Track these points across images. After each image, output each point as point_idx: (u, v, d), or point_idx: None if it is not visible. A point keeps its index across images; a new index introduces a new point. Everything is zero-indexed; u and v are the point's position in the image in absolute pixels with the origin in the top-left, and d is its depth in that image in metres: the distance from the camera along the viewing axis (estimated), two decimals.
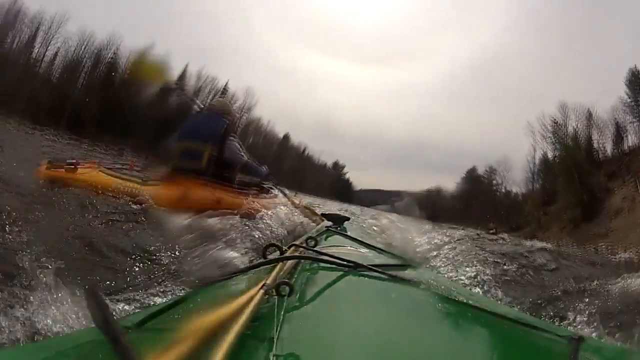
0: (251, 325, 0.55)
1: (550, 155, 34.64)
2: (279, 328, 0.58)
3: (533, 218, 32.98)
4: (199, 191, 3.33)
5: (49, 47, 33.57)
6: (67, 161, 3.44)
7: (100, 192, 3.21)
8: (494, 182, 41.92)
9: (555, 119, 33.24)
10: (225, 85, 42.22)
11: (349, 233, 2.10)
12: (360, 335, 0.64)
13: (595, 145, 31.06)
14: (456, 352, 0.63)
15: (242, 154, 3.83)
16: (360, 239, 1.67)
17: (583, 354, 0.64)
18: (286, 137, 52.53)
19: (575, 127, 32.23)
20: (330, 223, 2.58)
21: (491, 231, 28.16)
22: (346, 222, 2.96)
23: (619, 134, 29.87)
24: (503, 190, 41.21)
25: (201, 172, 3.56)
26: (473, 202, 40.17)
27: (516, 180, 39.18)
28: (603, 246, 19.73)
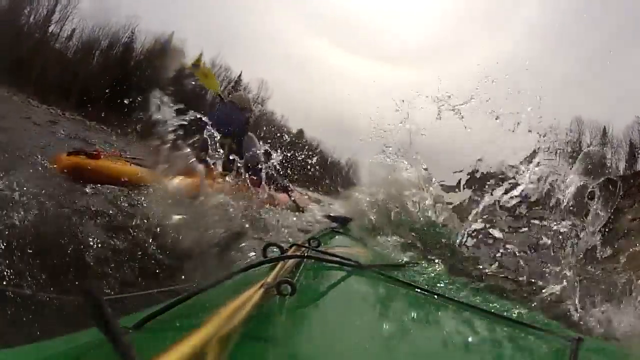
0: (252, 324, 0.54)
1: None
2: (280, 326, 0.59)
3: None
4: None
5: (65, 25, 33.87)
6: (85, 151, 3.11)
7: (127, 180, 2.95)
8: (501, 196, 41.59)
9: (569, 136, 33.03)
10: (239, 76, 42.39)
11: (352, 233, 2.16)
12: (361, 335, 0.63)
13: (608, 163, 30.76)
14: (457, 352, 0.62)
15: (254, 149, 3.81)
16: (363, 240, 1.71)
17: (583, 354, 0.64)
18: (300, 133, 52.14)
19: (589, 143, 32.02)
20: (334, 224, 2.56)
21: None
22: (351, 222, 2.95)
23: (633, 153, 29.51)
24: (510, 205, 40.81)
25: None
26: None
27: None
28: (613, 268, 19.41)
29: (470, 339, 0.70)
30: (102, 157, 3.06)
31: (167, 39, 34.79)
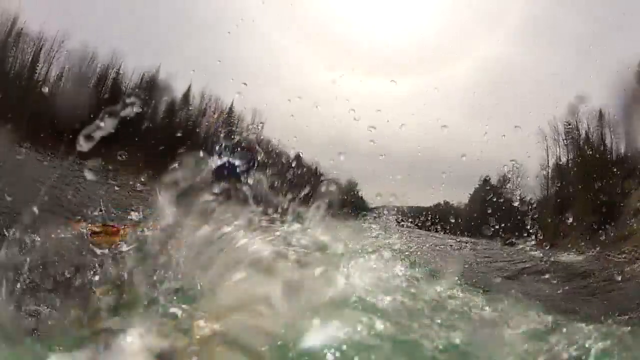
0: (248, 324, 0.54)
1: (564, 159, 34.29)
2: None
3: (550, 225, 32.15)
4: None
5: (52, 66, 34.25)
6: (106, 224, 3.42)
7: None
8: (507, 190, 41.30)
9: (568, 122, 32.97)
10: (231, 105, 42.70)
11: None
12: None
13: (609, 146, 30.55)
14: (455, 351, 0.74)
15: (266, 189, 3.68)
16: None
17: (582, 353, 0.70)
18: (298, 157, 52.36)
19: (587, 129, 31.89)
20: None
21: (507, 242, 27.48)
22: None
23: (632, 132, 29.30)
24: (517, 199, 40.48)
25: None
26: (486, 213, 39.49)
27: (530, 187, 38.55)
28: (626, 250, 19.02)
29: (467, 339, 0.77)
30: (120, 232, 3.24)
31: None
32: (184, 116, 39.52)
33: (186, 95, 39.64)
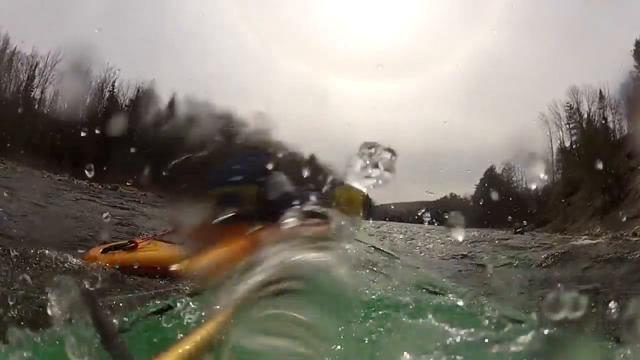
0: (250, 322, 0.59)
1: (567, 143, 34.11)
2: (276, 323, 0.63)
3: (558, 210, 31.89)
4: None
5: (46, 87, 34.69)
6: (122, 242, 3.23)
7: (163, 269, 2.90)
8: (513, 179, 41.10)
9: (569, 104, 32.81)
10: (230, 112, 42.74)
11: None
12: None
13: (611, 125, 30.33)
14: (454, 352, 0.73)
15: (287, 186, 3.51)
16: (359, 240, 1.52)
17: (581, 353, 0.70)
18: (312, 158, 52.57)
19: (588, 110, 31.70)
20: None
21: (518, 230, 27.27)
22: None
23: (633, 110, 29.06)
24: (523, 186, 40.27)
25: (244, 216, 3.20)
26: (493, 203, 39.22)
27: (535, 173, 38.36)
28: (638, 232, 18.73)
29: (462, 338, 0.71)
30: (139, 246, 3.06)
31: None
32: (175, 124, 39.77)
33: (172, 103, 39.73)
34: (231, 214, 3.28)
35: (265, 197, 3.38)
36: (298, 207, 3.40)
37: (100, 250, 3.16)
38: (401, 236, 13.26)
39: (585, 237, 19.07)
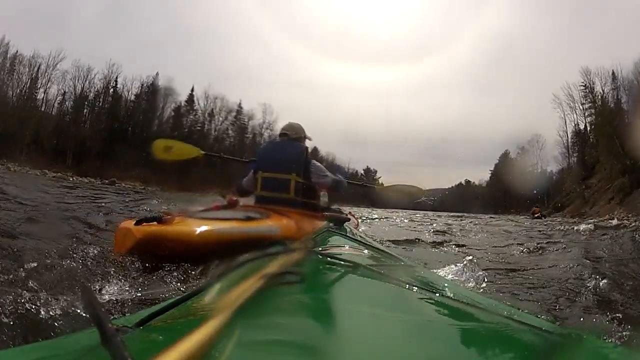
0: (253, 319, 0.57)
1: (582, 125, 33.44)
2: (285, 315, 0.63)
3: (576, 194, 31.36)
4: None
5: (49, 86, 35.03)
6: (153, 216, 2.75)
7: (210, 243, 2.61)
8: (529, 163, 40.51)
9: (584, 84, 32.07)
10: (239, 104, 43.13)
11: (348, 233, 2.17)
12: (356, 335, 0.63)
13: (625, 107, 29.57)
14: (454, 353, 0.61)
15: (327, 173, 3.71)
16: (360, 240, 1.69)
17: (580, 353, 0.62)
18: (314, 150, 52.39)
19: (602, 91, 30.98)
20: (330, 224, 2.55)
21: (536, 215, 26.93)
22: (346, 222, 2.97)
23: None
24: (539, 170, 39.69)
25: (289, 202, 3.41)
26: (510, 188, 38.68)
27: (551, 157, 37.68)
28: None
29: (468, 340, 0.67)
30: (175, 220, 2.69)
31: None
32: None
33: (190, 98, 40.13)
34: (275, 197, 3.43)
35: (307, 185, 3.53)
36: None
37: (134, 222, 2.62)
38: (407, 221, 13.29)
39: (607, 220, 18.71)
